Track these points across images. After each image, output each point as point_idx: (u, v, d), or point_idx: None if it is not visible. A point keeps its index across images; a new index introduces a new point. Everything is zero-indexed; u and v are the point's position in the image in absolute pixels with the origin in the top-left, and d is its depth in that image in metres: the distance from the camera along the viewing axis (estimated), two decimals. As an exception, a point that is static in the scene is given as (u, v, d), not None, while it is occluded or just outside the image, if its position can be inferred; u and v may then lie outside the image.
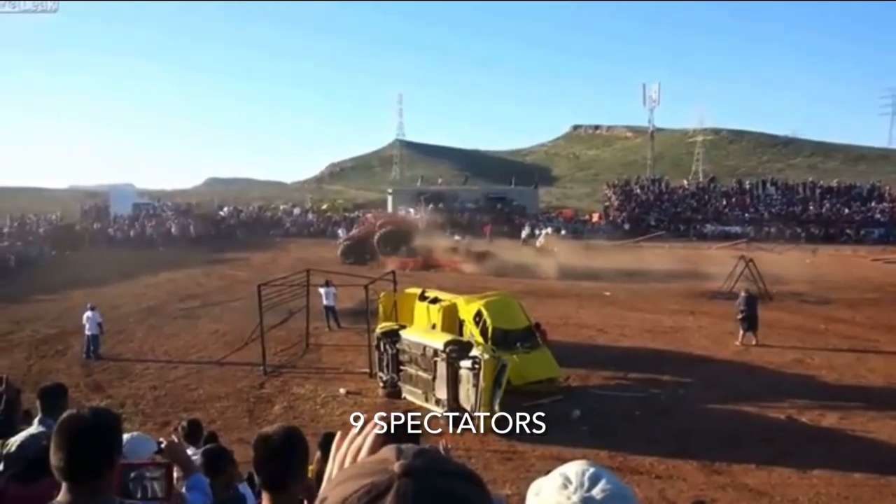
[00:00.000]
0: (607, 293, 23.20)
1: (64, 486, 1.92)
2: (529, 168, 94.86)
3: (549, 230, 42.76)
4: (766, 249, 34.00)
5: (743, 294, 16.27)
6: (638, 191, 54.24)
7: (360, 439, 1.00)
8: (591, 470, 0.97)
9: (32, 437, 3.71)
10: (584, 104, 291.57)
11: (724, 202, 51.25)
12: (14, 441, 3.73)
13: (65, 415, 2.05)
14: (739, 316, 15.70)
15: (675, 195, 53.43)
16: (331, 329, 17.20)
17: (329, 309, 17.50)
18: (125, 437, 2.71)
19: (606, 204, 55.01)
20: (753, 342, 15.44)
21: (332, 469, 1.03)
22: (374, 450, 0.95)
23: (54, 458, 1.92)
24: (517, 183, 59.87)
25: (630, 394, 12.10)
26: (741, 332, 15.63)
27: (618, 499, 0.94)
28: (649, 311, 19.88)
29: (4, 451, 3.64)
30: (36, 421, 4.08)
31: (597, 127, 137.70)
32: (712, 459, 9.19)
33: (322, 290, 17.33)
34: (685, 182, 58.81)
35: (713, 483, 8.66)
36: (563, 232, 42.06)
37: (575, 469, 0.97)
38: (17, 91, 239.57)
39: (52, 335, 16.91)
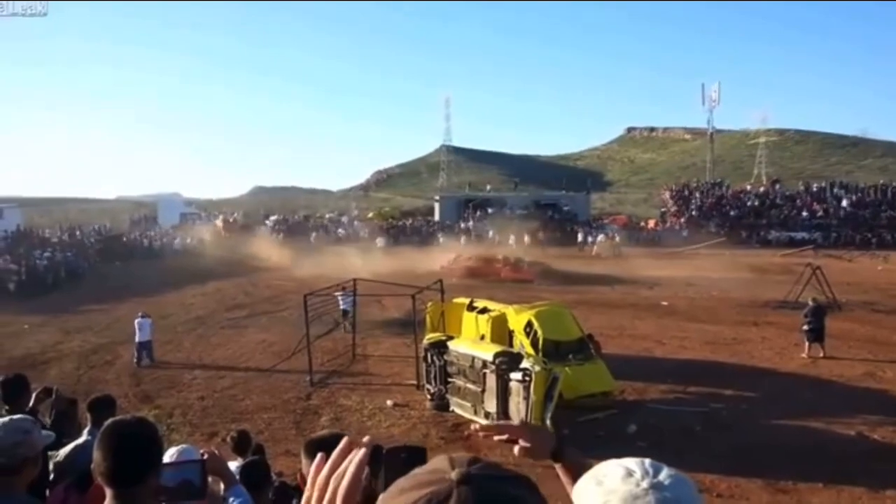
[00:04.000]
0: (665, 303, 22.55)
1: (109, 493, 1.96)
2: (581, 173, 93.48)
3: (602, 237, 42.04)
4: (834, 256, 32.56)
5: (811, 304, 15.58)
6: (697, 195, 52.71)
7: (344, 465, 0.97)
8: (647, 460, 1.00)
9: (81, 447, 3.78)
10: (639, 105, 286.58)
11: (790, 207, 49.21)
12: (63, 452, 3.83)
13: (109, 421, 2.10)
14: (806, 327, 15.02)
15: (736, 200, 51.66)
16: (346, 331, 17.06)
17: (345, 312, 17.65)
18: (173, 449, 2.77)
19: (663, 209, 53.74)
20: (821, 354, 14.72)
21: (310, 495, 0.99)
22: (357, 477, 0.93)
23: (100, 465, 1.96)
24: (569, 188, 59.19)
25: (689, 408, 11.64)
26: (807, 343, 14.96)
27: (683, 483, 0.97)
28: (710, 321, 19.18)
29: (54, 462, 3.71)
30: (85, 432, 4.18)
31: (652, 129, 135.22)
32: (777, 478, 8.78)
33: (339, 295, 17.55)
34: (747, 186, 56.86)
35: (778, 503, 8.24)
36: (617, 239, 41.23)
37: (631, 461, 1.00)
38: (65, 101, 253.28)
39: (102, 345, 17.39)
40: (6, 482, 2.45)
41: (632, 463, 0.99)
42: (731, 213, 49.48)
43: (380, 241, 43.13)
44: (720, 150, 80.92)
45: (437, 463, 0.77)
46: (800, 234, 43.93)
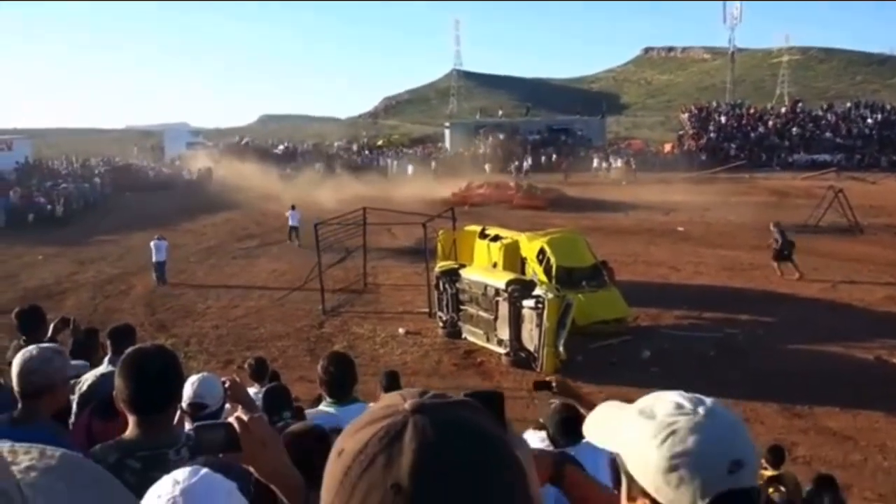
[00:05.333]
0: (680, 228, 22.22)
1: (131, 421, 2.01)
2: (596, 96, 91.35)
3: (618, 162, 41.23)
4: (858, 179, 31.82)
5: (773, 228, 15.75)
6: (717, 117, 51.15)
7: None
8: (685, 393, 0.99)
9: (103, 376, 3.82)
10: (657, 24, 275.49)
11: (813, 128, 47.72)
12: (85, 380, 3.90)
13: (130, 349, 2.14)
14: (786, 252, 15.15)
15: (757, 121, 50.14)
16: (290, 241, 19.63)
17: (293, 229, 19.90)
18: (194, 377, 2.81)
19: (681, 132, 52.37)
20: (796, 275, 14.84)
21: None
22: None
23: (123, 392, 2.00)
24: (583, 112, 57.84)
25: (704, 334, 11.59)
26: (777, 264, 15.22)
27: (728, 413, 0.97)
28: (727, 247, 18.92)
29: (78, 391, 3.73)
30: (106, 360, 4.27)
31: (670, 49, 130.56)
32: (793, 402, 8.79)
33: (288, 214, 19.62)
34: (769, 107, 55.13)
35: (794, 427, 8.29)
36: (632, 164, 40.41)
37: (671, 394, 0.99)
38: (70, 31, 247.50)
39: (116, 275, 17.54)
40: (31, 408, 2.50)
41: (674, 396, 0.97)
42: (752, 135, 48.12)
43: (410, 169, 42.39)
44: (741, 70, 78.19)
45: (390, 399, 0.76)
46: (822, 157, 42.71)
